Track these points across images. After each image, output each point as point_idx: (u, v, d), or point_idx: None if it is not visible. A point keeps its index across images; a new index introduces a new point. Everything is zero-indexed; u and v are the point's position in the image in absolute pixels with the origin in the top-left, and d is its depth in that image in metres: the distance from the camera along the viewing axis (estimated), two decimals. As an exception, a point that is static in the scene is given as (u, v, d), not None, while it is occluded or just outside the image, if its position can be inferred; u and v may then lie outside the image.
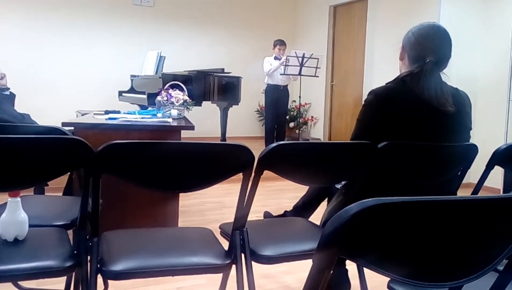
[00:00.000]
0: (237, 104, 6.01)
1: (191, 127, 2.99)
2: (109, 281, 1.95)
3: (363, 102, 1.88)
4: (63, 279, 1.90)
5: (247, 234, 1.62)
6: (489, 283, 0.91)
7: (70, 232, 1.72)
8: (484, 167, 1.93)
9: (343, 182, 2.06)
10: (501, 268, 0.89)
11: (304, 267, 0.76)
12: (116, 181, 1.45)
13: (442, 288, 1.08)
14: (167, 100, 3.39)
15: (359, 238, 0.69)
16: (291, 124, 7.81)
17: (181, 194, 3.04)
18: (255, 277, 1.59)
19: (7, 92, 3.15)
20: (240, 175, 1.54)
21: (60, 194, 2.85)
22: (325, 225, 0.68)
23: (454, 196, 0.74)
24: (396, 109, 1.78)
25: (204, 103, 5.50)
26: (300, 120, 7.58)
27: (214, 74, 5.61)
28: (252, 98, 7.63)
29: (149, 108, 4.25)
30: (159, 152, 1.48)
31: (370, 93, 1.84)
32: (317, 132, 7.83)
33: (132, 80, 6.10)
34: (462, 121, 1.85)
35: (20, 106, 3.22)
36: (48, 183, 2.13)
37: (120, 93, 6.20)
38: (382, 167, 1.73)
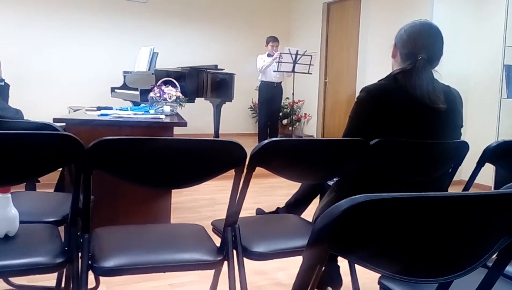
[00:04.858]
0: (231, 101, 6.00)
1: (184, 124, 2.98)
2: (100, 278, 1.94)
3: (355, 99, 1.89)
4: (54, 275, 1.89)
5: (239, 230, 1.63)
6: (478, 279, 0.92)
7: (61, 228, 1.72)
8: (475, 165, 1.94)
9: (335, 179, 2.07)
10: (490, 264, 0.90)
11: (297, 263, 0.76)
12: (108, 177, 1.44)
13: (432, 284, 1.09)
14: (160, 96, 3.38)
15: (349, 234, 0.69)
16: (285, 121, 7.81)
17: (173, 191, 3.04)
18: (247, 274, 1.60)
19: (1, 83, 3.10)
20: (232, 172, 1.54)
21: (52, 190, 2.83)
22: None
23: (445, 192, 0.74)
24: (388, 106, 1.78)
25: (197, 99, 5.49)
26: (294, 117, 7.59)
27: (208, 70, 5.60)
28: (245, 95, 7.63)
29: (142, 105, 4.23)
30: (151, 149, 1.47)
31: (362, 90, 1.84)
32: (310, 129, 7.84)
33: (124, 76, 6.07)
34: (453, 118, 1.86)
35: (12, 102, 3.19)
36: (39, 179, 2.13)
37: (113, 89, 6.16)
38: (373, 164, 1.73)
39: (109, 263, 1.42)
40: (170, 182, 1.65)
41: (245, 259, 1.61)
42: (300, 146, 1.72)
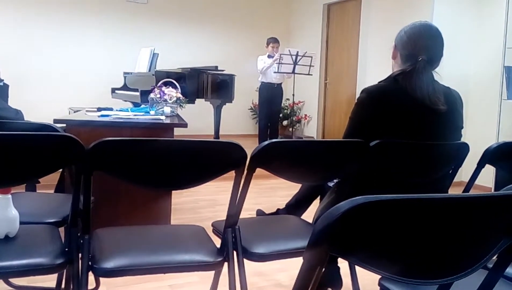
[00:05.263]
0: (231, 102, 6.00)
1: (184, 125, 2.98)
2: (101, 279, 1.94)
3: (356, 101, 1.89)
4: (54, 276, 1.89)
5: (239, 231, 1.62)
6: (478, 280, 0.92)
7: (61, 229, 1.72)
8: (475, 166, 1.94)
9: (335, 180, 2.07)
10: (490, 265, 0.90)
11: (297, 264, 0.76)
12: (108, 178, 1.44)
13: (432, 285, 1.09)
14: (160, 97, 3.38)
15: (349, 235, 0.69)
16: (285, 122, 7.81)
17: (174, 192, 3.04)
18: (247, 275, 1.60)
19: (0, 83, 3.11)
20: (233, 173, 1.54)
21: (52, 191, 2.83)
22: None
23: (445, 194, 0.74)
24: (388, 107, 1.78)
25: (198, 100, 5.49)
26: (294, 118, 7.59)
27: (208, 71, 5.60)
28: (245, 96, 7.62)
29: (142, 106, 4.24)
30: (151, 150, 1.47)
31: (362, 91, 1.84)
32: (311, 130, 7.84)
33: (125, 77, 6.07)
34: (453, 120, 1.86)
35: (12, 102, 3.19)
36: (40, 180, 2.12)
37: (113, 90, 6.16)
38: (374, 165, 1.73)
39: (109, 264, 1.42)
40: (171, 183, 1.65)
41: (245, 260, 1.61)
42: (300, 147, 1.72)
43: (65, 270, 1.62)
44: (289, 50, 6.06)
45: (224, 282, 1.67)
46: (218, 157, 1.54)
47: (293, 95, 6.67)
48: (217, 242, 1.67)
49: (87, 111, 3.41)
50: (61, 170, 2.55)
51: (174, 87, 3.56)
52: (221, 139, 1.57)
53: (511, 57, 4.42)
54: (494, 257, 0.85)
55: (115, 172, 1.47)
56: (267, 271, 2.63)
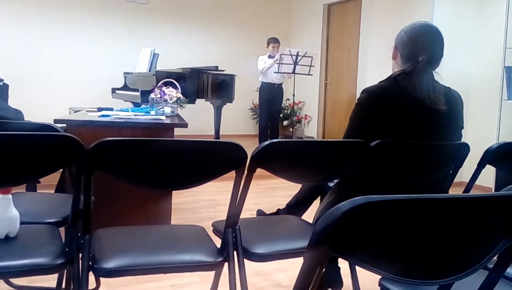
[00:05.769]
0: (231, 102, 6.00)
1: (184, 125, 2.98)
2: (101, 279, 1.94)
3: (356, 101, 1.89)
4: (55, 276, 1.90)
5: (239, 232, 1.62)
6: (479, 280, 0.92)
7: (62, 229, 1.72)
8: (476, 166, 1.94)
9: (335, 181, 2.07)
10: (491, 266, 0.90)
11: (297, 265, 0.76)
12: (109, 178, 1.44)
13: (433, 286, 1.09)
14: (161, 97, 3.38)
15: (350, 236, 0.69)
16: (285, 122, 7.81)
17: (174, 192, 3.04)
18: (247, 275, 1.60)
19: (0, 83, 3.11)
20: (233, 173, 1.54)
21: (52, 191, 2.83)
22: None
23: (445, 194, 0.74)
24: (388, 107, 1.78)
25: (198, 100, 5.49)
26: (294, 119, 7.59)
27: (208, 71, 5.60)
28: (246, 96, 7.62)
29: (143, 106, 4.24)
30: (151, 150, 1.47)
31: (363, 91, 1.84)
32: (311, 131, 7.84)
33: (125, 77, 6.07)
34: (454, 120, 1.86)
35: (12, 102, 3.19)
36: (40, 180, 2.13)
37: (114, 90, 6.17)
38: (374, 166, 1.73)
39: (110, 264, 1.42)
40: (171, 183, 1.65)
41: (245, 260, 1.61)
42: (300, 148, 1.72)
43: (65, 270, 1.62)
44: (289, 50, 6.06)
45: (224, 282, 1.67)
46: (218, 157, 1.54)
47: (294, 95, 6.67)
48: (218, 242, 1.67)
49: (87, 111, 3.41)
50: (61, 170, 2.56)
51: (175, 87, 3.56)
52: (221, 139, 1.57)
53: (511, 57, 4.42)
54: (495, 258, 0.85)
55: (115, 172, 1.47)
56: (267, 271, 2.63)
